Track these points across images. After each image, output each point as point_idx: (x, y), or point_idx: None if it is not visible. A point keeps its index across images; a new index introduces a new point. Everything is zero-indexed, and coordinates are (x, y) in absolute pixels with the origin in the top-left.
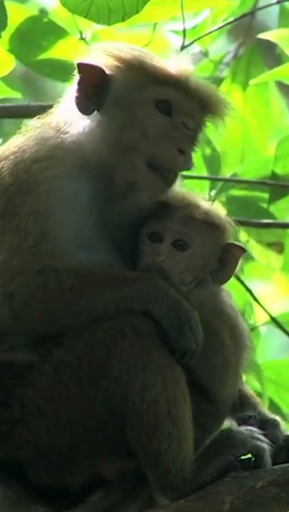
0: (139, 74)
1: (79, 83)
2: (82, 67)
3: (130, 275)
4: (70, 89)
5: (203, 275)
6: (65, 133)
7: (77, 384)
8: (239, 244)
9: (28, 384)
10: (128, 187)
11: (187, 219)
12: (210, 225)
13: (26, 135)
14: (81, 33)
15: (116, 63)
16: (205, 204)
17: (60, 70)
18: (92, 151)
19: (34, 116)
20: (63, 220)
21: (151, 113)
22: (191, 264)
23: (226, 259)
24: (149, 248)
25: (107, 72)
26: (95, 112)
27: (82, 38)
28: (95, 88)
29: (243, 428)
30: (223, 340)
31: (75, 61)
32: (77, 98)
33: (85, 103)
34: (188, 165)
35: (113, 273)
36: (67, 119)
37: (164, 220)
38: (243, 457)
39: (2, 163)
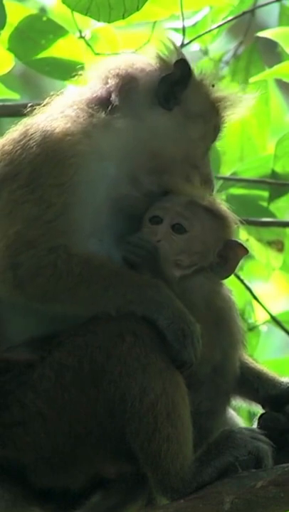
0: (211, 95)
1: (171, 77)
2: (181, 64)
3: (139, 279)
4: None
5: (202, 263)
6: (105, 113)
7: (77, 387)
8: (243, 243)
9: (27, 386)
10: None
11: (189, 203)
12: (213, 213)
13: (51, 110)
14: (80, 32)
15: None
16: (212, 197)
17: (59, 69)
18: (149, 141)
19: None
20: (85, 197)
21: (213, 138)
22: (188, 248)
23: (228, 256)
24: (147, 230)
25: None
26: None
27: (81, 37)
28: (175, 86)
29: (244, 428)
30: (206, 330)
31: (181, 56)
32: (162, 89)
33: (167, 98)
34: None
35: (123, 272)
36: (109, 101)
37: (166, 203)
38: (243, 457)
39: (30, 135)
